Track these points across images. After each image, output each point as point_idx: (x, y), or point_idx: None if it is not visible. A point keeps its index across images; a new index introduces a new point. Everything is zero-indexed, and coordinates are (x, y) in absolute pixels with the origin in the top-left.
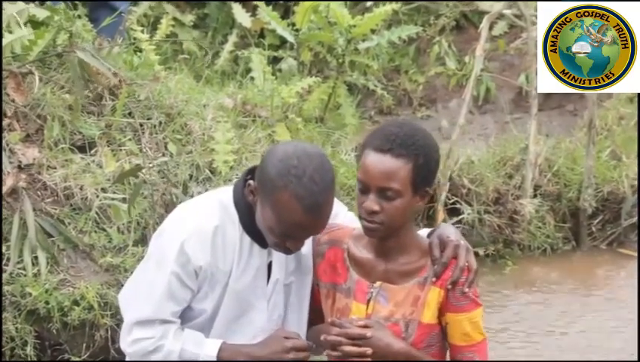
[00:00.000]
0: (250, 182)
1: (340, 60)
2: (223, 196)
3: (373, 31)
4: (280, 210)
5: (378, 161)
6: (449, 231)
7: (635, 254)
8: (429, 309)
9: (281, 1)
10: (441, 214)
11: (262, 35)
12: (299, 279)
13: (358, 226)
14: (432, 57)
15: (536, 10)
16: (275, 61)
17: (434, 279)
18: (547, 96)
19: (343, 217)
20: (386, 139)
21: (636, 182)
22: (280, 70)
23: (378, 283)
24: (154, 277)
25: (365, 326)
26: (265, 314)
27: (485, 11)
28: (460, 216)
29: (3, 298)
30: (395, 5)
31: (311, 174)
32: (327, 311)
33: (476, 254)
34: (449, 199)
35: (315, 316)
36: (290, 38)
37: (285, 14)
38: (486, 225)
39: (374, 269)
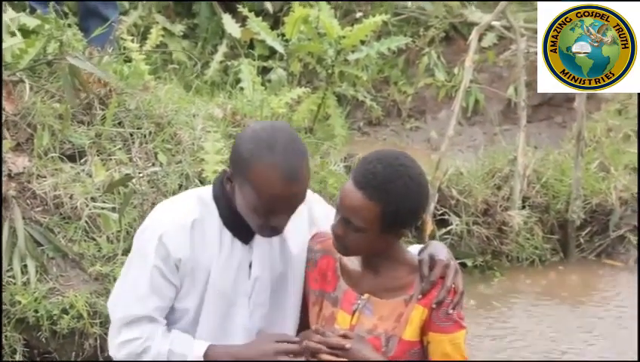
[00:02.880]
0: (225, 169)
1: (330, 71)
2: (202, 192)
3: (362, 42)
4: (257, 183)
5: (350, 194)
6: (440, 250)
7: (621, 264)
8: (411, 326)
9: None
10: (429, 225)
11: (251, 45)
12: (286, 280)
13: None
14: (422, 68)
15: (525, 22)
16: (264, 71)
17: (420, 297)
18: (536, 108)
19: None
20: (364, 176)
21: (624, 194)
22: (269, 80)
23: (366, 295)
24: (137, 273)
25: (345, 337)
26: (246, 311)
27: (474, 23)
28: (449, 227)
29: None
30: (384, 16)
31: (283, 143)
32: (314, 318)
33: (464, 265)
34: (437, 210)
35: (305, 322)
36: (280, 49)
37: (275, 25)
38: (474, 236)
39: (363, 281)
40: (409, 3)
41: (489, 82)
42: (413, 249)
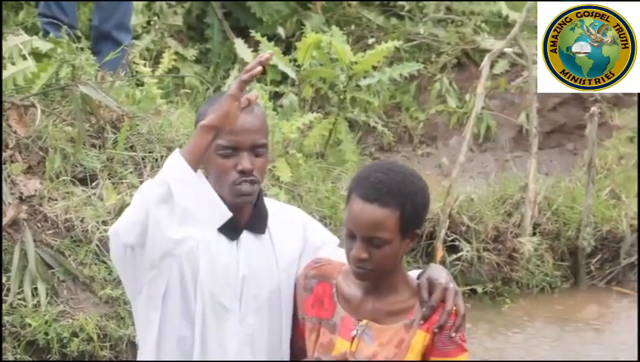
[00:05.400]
0: None
1: (341, 96)
2: None
3: (374, 68)
4: None
5: (365, 211)
6: (439, 273)
7: (632, 292)
8: (413, 353)
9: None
10: (440, 251)
11: (263, 70)
12: (279, 292)
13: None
14: (433, 95)
15: (537, 49)
16: (276, 97)
17: (421, 322)
18: (547, 135)
19: (331, 250)
20: (373, 188)
21: (635, 222)
22: (281, 106)
23: (364, 321)
24: None
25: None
26: (236, 316)
27: (486, 50)
28: (459, 254)
29: (3, 328)
30: (396, 43)
31: None
32: (311, 345)
33: (474, 292)
34: (448, 236)
35: (299, 352)
36: (292, 74)
37: (287, 50)
38: (485, 263)
39: (362, 307)
40: (421, 29)
41: (500, 109)
42: (412, 274)
